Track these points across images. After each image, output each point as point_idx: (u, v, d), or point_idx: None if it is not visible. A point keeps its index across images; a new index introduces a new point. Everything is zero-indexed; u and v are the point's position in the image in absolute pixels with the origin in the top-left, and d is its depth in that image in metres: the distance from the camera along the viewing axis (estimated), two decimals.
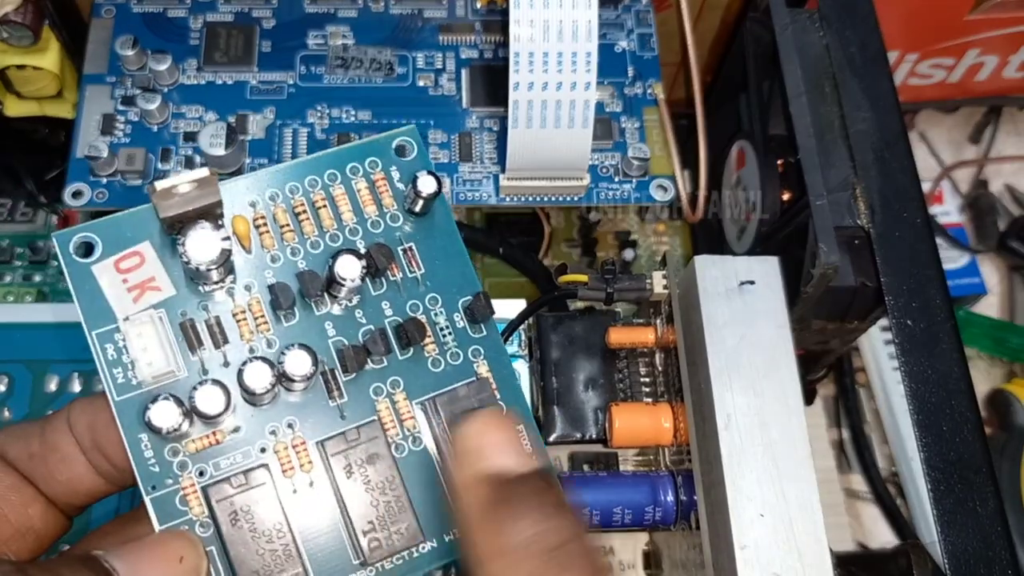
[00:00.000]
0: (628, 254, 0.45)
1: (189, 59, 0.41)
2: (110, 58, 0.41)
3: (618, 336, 0.35)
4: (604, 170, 0.39)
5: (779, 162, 0.39)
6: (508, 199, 0.38)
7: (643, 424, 0.33)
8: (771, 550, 0.30)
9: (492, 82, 0.41)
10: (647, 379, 0.35)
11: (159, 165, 0.38)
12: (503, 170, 0.38)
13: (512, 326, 0.35)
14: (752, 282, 0.33)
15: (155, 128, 0.39)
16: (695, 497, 0.32)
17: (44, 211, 0.45)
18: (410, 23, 0.43)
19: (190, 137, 0.39)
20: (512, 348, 0.36)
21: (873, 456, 0.49)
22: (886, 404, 0.49)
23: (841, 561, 0.34)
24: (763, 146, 0.39)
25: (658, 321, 0.35)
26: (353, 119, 0.41)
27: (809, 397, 0.46)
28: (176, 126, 0.40)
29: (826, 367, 0.44)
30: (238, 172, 0.38)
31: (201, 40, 0.42)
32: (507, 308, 0.36)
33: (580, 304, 0.37)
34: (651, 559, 0.36)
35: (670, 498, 0.33)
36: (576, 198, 0.39)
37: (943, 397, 0.34)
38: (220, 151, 0.37)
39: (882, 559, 0.37)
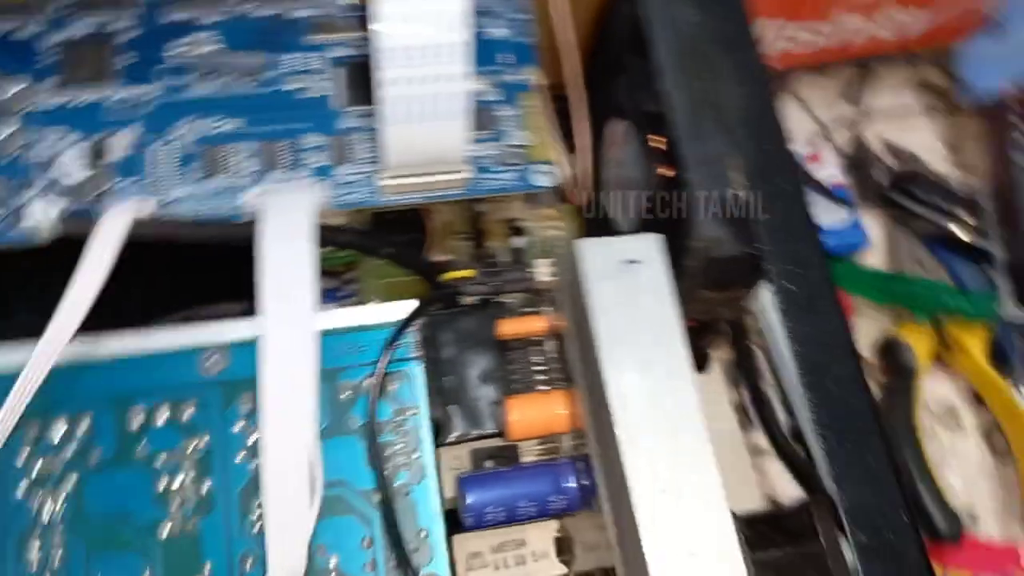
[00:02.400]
0: (519, 242, 0.45)
1: (45, 80, 0.39)
2: None
3: (507, 328, 0.35)
4: (484, 161, 0.39)
5: (655, 139, 0.39)
6: (389, 199, 0.38)
7: (538, 414, 0.33)
8: (675, 524, 0.31)
9: (365, 80, 0.40)
10: (542, 367, 0.35)
11: (15, 197, 0.37)
12: (381, 170, 0.37)
13: (400, 329, 0.34)
14: (636, 261, 0.34)
15: (12, 156, 0.37)
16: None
17: None
18: (279, 25, 0.42)
19: (49, 163, 0.37)
20: (405, 351, 0.35)
21: (775, 414, 0.50)
22: (782, 363, 0.50)
23: (747, 523, 0.35)
24: (639, 125, 0.40)
25: (547, 309, 0.35)
26: (226, 129, 0.39)
27: (701, 363, 0.46)
28: (34, 152, 0.38)
29: (720, 333, 0.45)
30: (106, 194, 0.37)
31: (57, 59, 0.40)
32: (398, 310, 0.36)
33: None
34: (563, 545, 0.36)
35: (573, 485, 0.33)
36: (458, 191, 0.38)
37: (828, 357, 0.35)
38: (84, 174, 0.36)
39: (787, 517, 0.37)
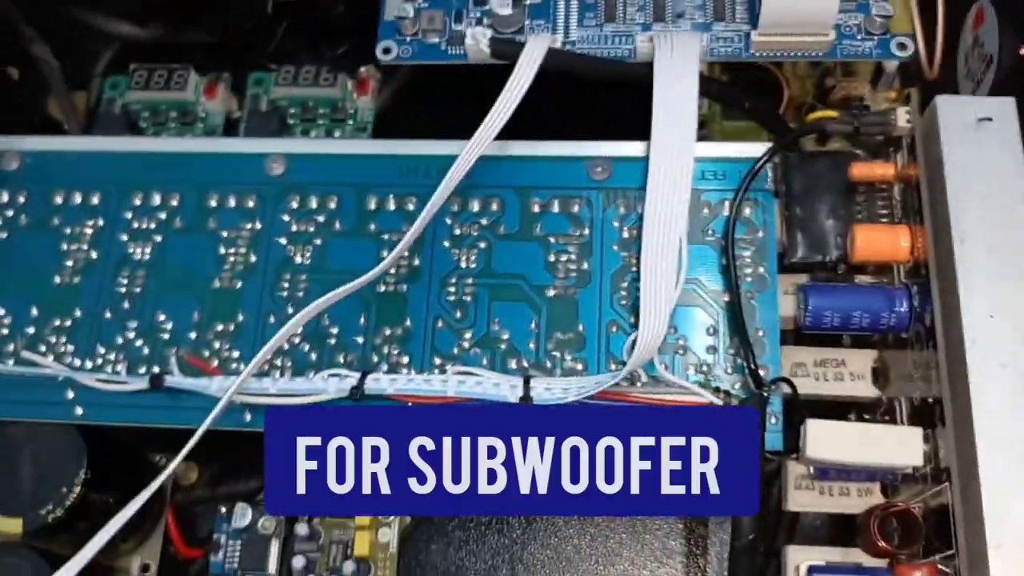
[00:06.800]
0: None
1: None
2: None
3: (860, 170, 0.39)
4: (847, 28, 0.43)
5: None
6: (756, 53, 0.43)
7: (884, 240, 0.37)
8: (1000, 345, 0.34)
9: None
10: (884, 210, 0.39)
11: (453, 25, 0.45)
12: (755, 27, 0.42)
13: (761, 161, 0.39)
14: (990, 119, 0.37)
15: None
16: (928, 306, 0.36)
17: (343, 75, 0.53)
18: None
19: (481, 0, 0.45)
20: (761, 182, 0.41)
21: None
22: None
23: None
24: (1003, 2, 0.42)
25: (898, 156, 0.39)
26: None
27: None
28: None
29: None
30: (519, 31, 0.45)
31: None
32: (756, 149, 0.41)
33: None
34: (878, 374, 0.40)
35: (904, 308, 0.37)
36: (820, 52, 0.42)
37: None
38: (507, 11, 0.44)
39: None
